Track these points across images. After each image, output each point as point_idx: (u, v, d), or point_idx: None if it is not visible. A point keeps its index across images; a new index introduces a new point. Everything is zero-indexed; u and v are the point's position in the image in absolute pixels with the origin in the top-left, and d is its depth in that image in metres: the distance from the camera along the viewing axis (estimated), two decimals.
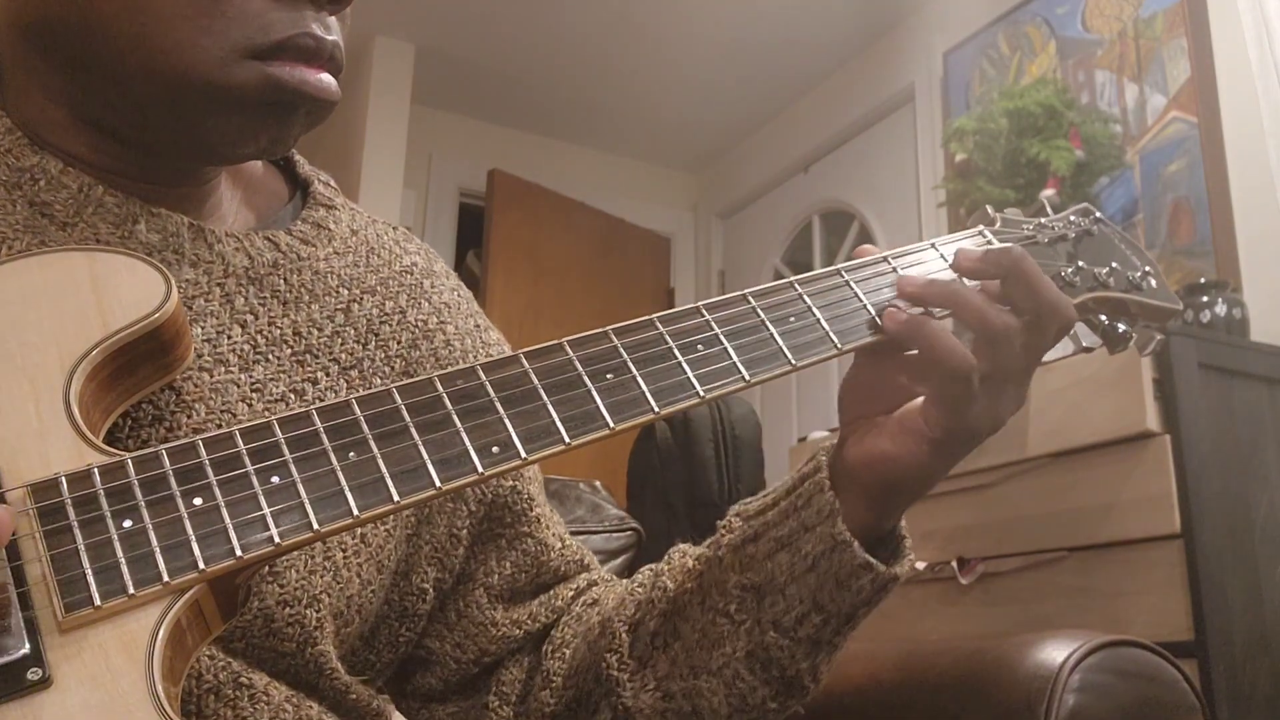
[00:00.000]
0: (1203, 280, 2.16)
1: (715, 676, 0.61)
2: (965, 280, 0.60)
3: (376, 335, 0.66)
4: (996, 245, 0.64)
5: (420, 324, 0.69)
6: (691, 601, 0.63)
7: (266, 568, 0.55)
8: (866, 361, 0.60)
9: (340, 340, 0.64)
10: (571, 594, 0.73)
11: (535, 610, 0.72)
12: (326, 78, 0.57)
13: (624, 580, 0.72)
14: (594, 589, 0.74)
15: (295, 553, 0.56)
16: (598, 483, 1.40)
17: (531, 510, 0.73)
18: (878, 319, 0.58)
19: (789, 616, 0.60)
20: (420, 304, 0.70)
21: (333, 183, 0.73)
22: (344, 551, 0.60)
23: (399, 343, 0.67)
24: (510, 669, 0.71)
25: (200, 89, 0.54)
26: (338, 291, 0.65)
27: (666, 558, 0.68)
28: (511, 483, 0.72)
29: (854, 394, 0.61)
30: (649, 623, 0.65)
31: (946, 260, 0.62)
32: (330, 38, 0.57)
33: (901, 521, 0.63)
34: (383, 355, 0.66)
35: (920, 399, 0.58)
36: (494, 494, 0.71)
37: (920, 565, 2.05)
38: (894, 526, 0.62)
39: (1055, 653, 0.74)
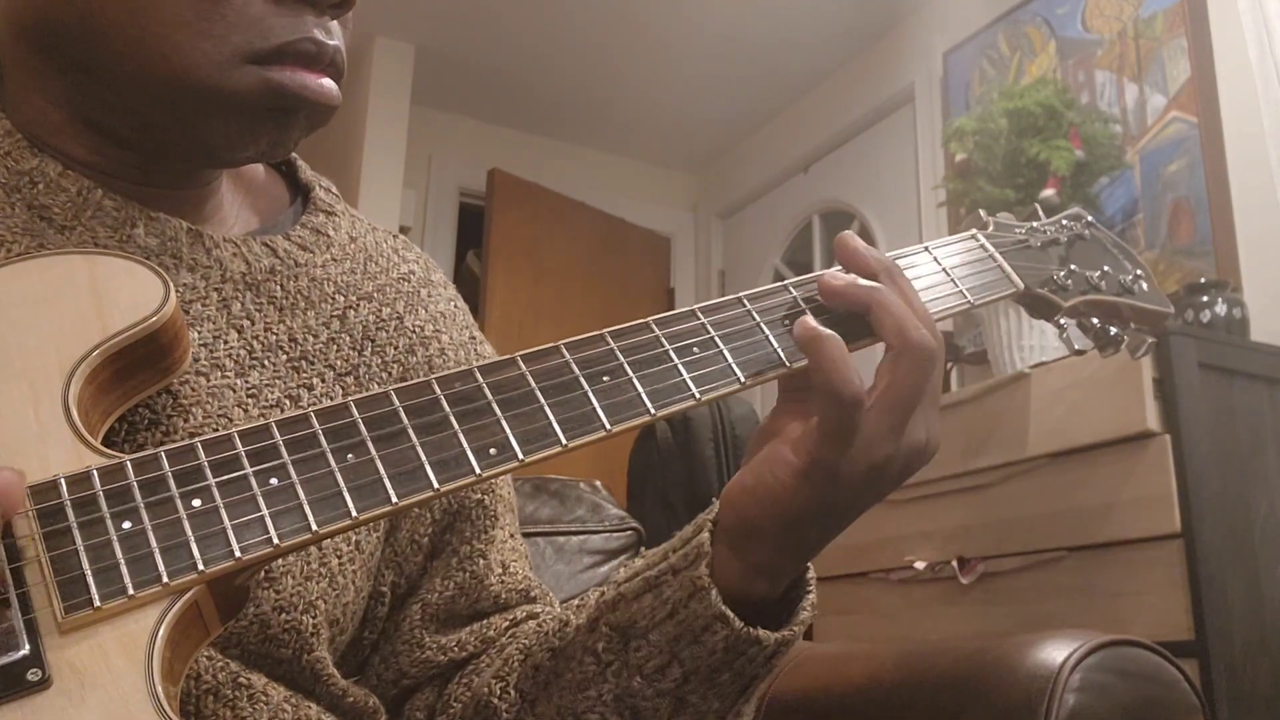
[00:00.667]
0: (1203, 280, 2.16)
1: (584, 718, 0.57)
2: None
3: (372, 341, 0.66)
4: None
5: (417, 330, 0.69)
6: (575, 638, 0.59)
7: (263, 574, 0.55)
8: (787, 396, 0.56)
9: (336, 346, 0.64)
10: (507, 624, 0.69)
11: (465, 639, 0.68)
12: (327, 82, 0.57)
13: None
14: (529, 622, 0.70)
15: (292, 559, 0.57)
16: (598, 482, 1.41)
17: (491, 529, 0.71)
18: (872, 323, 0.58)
19: (650, 664, 0.55)
20: (417, 311, 0.70)
21: (334, 189, 0.73)
22: (339, 558, 0.60)
23: (395, 348, 0.67)
24: (425, 693, 0.68)
25: (199, 93, 0.54)
26: (334, 298, 0.65)
27: (588, 593, 0.64)
28: (480, 497, 0.70)
29: (759, 438, 0.56)
30: (538, 656, 0.61)
31: (940, 264, 0.62)
32: (331, 42, 0.57)
33: (808, 589, 0.57)
34: (379, 361, 0.66)
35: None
36: (459, 504, 0.69)
37: (920, 565, 2.05)
38: (789, 594, 0.56)
39: (1055, 652, 0.74)
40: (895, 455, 0.52)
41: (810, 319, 0.52)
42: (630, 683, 0.56)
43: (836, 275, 0.56)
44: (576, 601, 0.64)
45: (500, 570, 0.70)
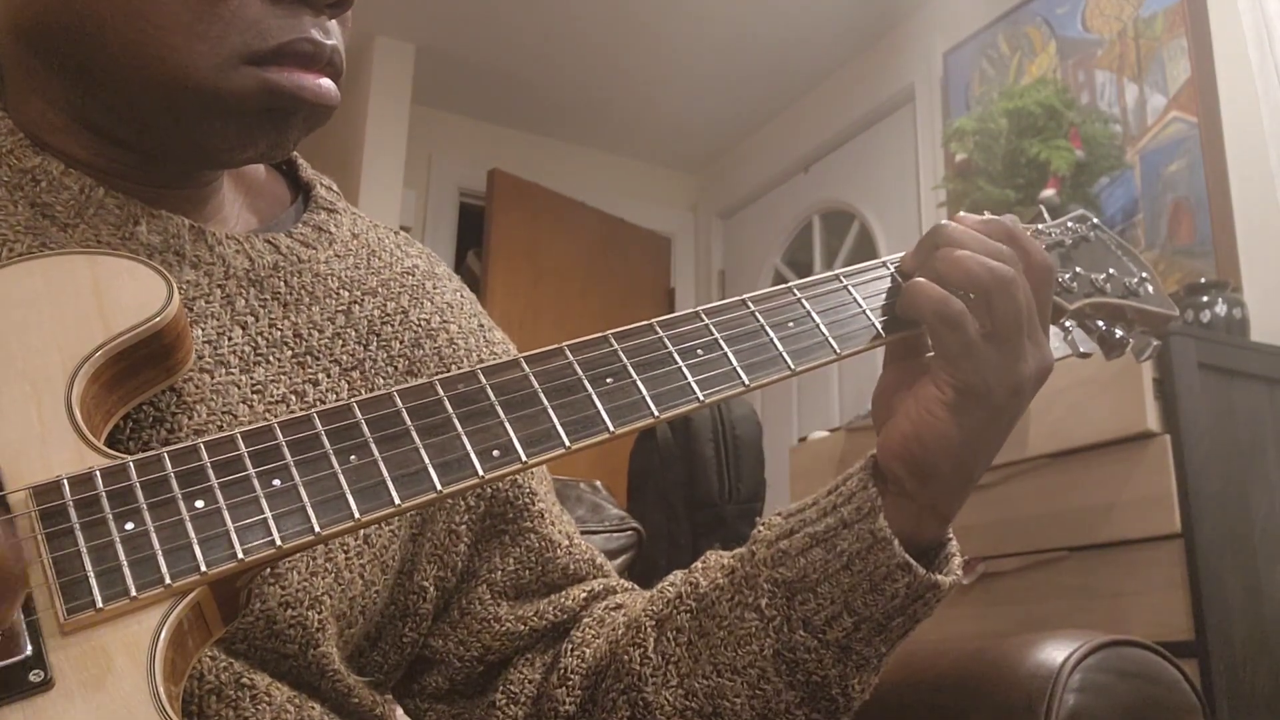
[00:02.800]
0: (1203, 280, 2.16)
1: (740, 675, 0.59)
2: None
3: (378, 336, 0.66)
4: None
5: (423, 323, 0.69)
6: (721, 598, 0.61)
7: (268, 569, 0.55)
8: (892, 367, 0.60)
9: (341, 342, 0.64)
10: (585, 595, 0.71)
11: (543, 609, 0.70)
12: (326, 82, 0.57)
13: (648, 590, 0.70)
14: (615, 595, 0.72)
15: (297, 555, 0.57)
16: (598, 483, 1.41)
17: (534, 505, 0.72)
18: (877, 325, 0.58)
19: (819, 616, 0.57)
20: (422, 304, 0.70)
21: (335, 187, 0.73)
22: (346, 553, 0.60)
23: (401, 342, 0.67)
24: (520, 668, 0.69)
25: (197, 94, 0.54)
26: (338, 293, 0.65)
27: (703, 558, 0.66)
28: (513, 477, 0.71)
29: (882, 397, 0.60)
30: (677, 618, 0.63)
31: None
32: (329, 42, 0.57)
33: (950, 536, 0.60)
34: (385, 356, 0.66)
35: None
36: (493, 489, 0.70)
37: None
38: (942, 538, 0.60)
39: (1055, 653, 0.74)
40: (1027, 374, 0.56)
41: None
42: (794, 635, 0.58)
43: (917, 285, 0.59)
44: (689, 571, 0.66)
45: (566, 543, 0.72)
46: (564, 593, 0.71)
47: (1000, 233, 0.59)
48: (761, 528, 0.62)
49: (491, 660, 0.69)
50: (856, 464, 0.59)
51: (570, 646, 0.68)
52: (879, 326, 0.58)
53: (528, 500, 0.72)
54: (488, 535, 0.70)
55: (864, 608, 0.57)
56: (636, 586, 0.75)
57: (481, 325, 0.74)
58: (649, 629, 0.64)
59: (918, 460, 0.56)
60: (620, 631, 0.66)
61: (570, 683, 0.67)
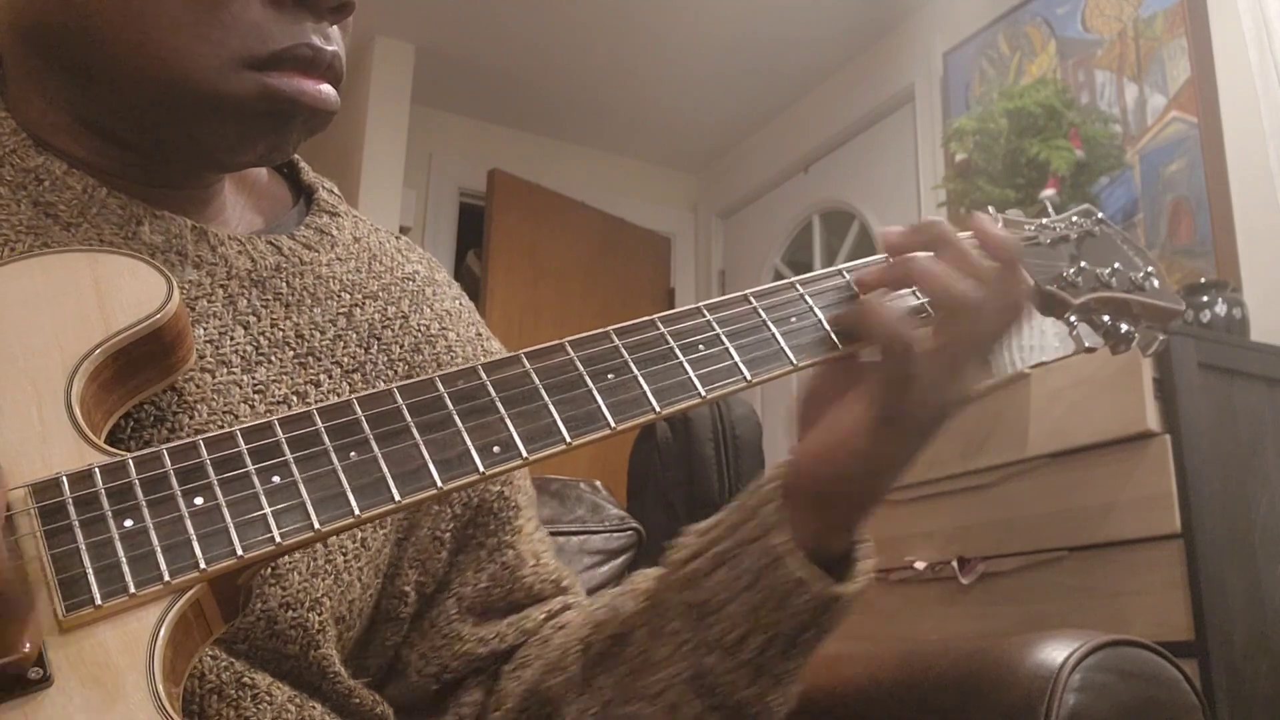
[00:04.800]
0: (1203, 280, 2.16)
1: (655, 702, 0.58)
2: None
3: (379, 339, 0.66)
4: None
5: (422, 329, 0.69)
6: (638, 623, 0.60)
7: (269, 570, 0.55)
8: (822, 368, 0.58)
9: (343, 344, 0.64)
10: (544, 616, 0.70)
11: (504, 630, 0.69)
12: (326, 88, 0.57)
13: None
14: (566, 613, 0.71)
15: (298, 556, 0.56)
16: (598, 482, 1.41)
17: (516, 519, 0.71)
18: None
19: (730, 637, 0.56)
20: (422, 309, 0.70)
21: (336, 190, 0.73)
22: (345, 555, 0.59)
23: (401, 347, 0.67)
24: (471, 690, 0.68)
25: (197, 97, 0.54)
26: (340, 296, 0.65)
27: (630, 578, 0.65)
28: (499, 488, 0.70)
29: (812, 398, 0.58)
30: (598, 645, 0.62)
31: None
32: (330, 48, 0.56)
33: (860, 538, 0.59)
34: (385, 359, 0.66)
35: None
36: (480, 499, 0.70)
37: (920, 565, 2.05)
38: (852, 544, 0.58)
39: (1055, 652, 0.74)
40: (956, 398, 0.55)
41: (819, 315, 0.55)
42: (707, 658, 0.56)
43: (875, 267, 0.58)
44: (620, 589, 0.65)
45: (533, 562, 0.71)
46: (524, 614, 0.70)
47: (1001, 253, 0.57)
48: (675, 548, 0.61)
49: (447, 679, 0.68)
50: (768, 475, 0.58)
51: (510, 668, 0.68)
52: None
53: (511, 514, 0.71)
54: (467, 546, 0.70)
55: (772, 625, 0.55)
56: (587, 601, 0.73)
57: (479, 334, 0.74)
58: (574, 655, 0.63)
59: (827, 480, 0.55)
60: (554, 655, 0.65)
61: (505, 706, 0.66)
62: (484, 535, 0.70)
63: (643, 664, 0.59)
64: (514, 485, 0.72)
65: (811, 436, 0.56)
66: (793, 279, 0.59)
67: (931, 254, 0.56)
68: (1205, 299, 2.08)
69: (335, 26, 0.58)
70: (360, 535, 0.61)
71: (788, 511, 0.55)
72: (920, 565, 2.06)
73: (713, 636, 0.56)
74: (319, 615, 0.57)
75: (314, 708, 0.58)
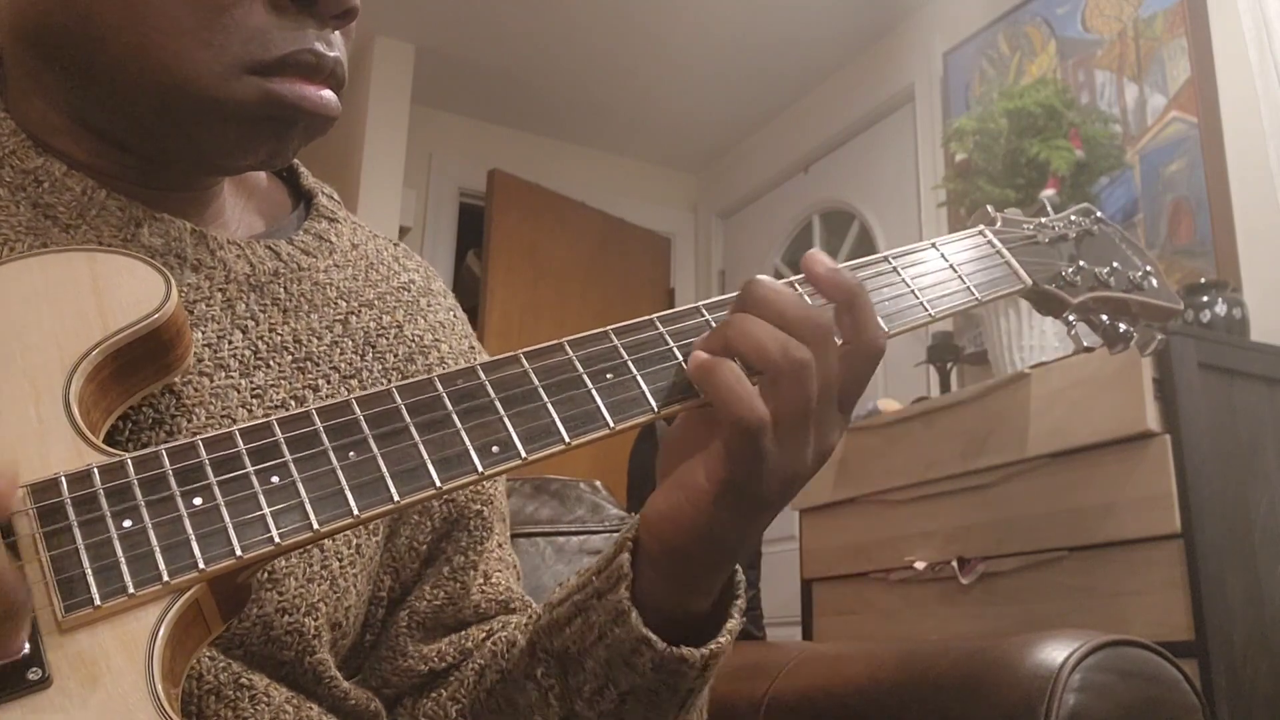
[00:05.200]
0: (1203, 280, 2.16)
1: None
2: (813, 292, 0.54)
3: (374, 347, 0.66)
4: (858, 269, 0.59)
5: (416, 339, 0.69)
6: (517, 663, 0.60)
7: (266, 575, 0.55)
8: (689, 415, 0.54)
9: (339, 349, 0.64)
10: (483, 636, 0.68)
11: (444, 649, 0.67)
12: (327, 94, 0.57)
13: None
14: (502, 631, 0.68)
15: (294, 561, 0.56)
16: (598, 482, 1.40)
17: (485, 541, 0.70)
18: (879, 321, 0.58)
19: (588, 688, 0.55)
20: (417, 320, 0.70)
21: (336, 195, 0.73)
22: (340, 561, 0.59)
23: (396, 355, 0.67)
24: (402, 711, 0.67)
25: (198, 101, 0.54)
26: (336, 303, 0.65)
27: (532, 609, 0.64)
28: (479, 508, 0.70)
29: (668, 452, 0.55)
30: (488, 678, 0.62)
31: (947, 260, 0.62)
32: (332, 54, 0.56)
33: (735, 595, 0.56)
34: (380, 367, 0.66)
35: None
36: (459, 513, 0.69)
37: (920, 565, 2.05)
38: (706, 609, 0.55)
39: (1055, 652, 0.74)
40: (808, 464, 0.51)
41: (700, 352, 0.51)
42: (573, 706, 0.56)
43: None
44: (527, 617, 0.64)
45: (482, 580, 0.69)
46: (465, 634, 0.68)
47: (836, 293, 0.53)
48: (557, 587, 0.60)
49: (386, 694, 0.67)
50: (628, 525, 0.56)
51: (434, 691, 0.66)
52: (882, 324, 0.57)
53: (483, 534, 0.70)
54: (435, 558, 0.69)
55: (624, 682, 0.54)
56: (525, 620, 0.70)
57: (472, 347, 0.74)
58: (470, 684, 0.63)
59: (668, 542, 0.52)
60: (454, 685, 0.65)
61: None
62: (453, 551, 0.69)
63: (516, 707, 0.59)
64: (493, 505, 0.71)
65: (660, 493, 0.53)
66: (790, 279, 0.58)
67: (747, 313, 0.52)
68: (1205, 299, 2.07)
69: (338, 32, 0.58)
70: (355, 541, 0.61)
71: (629, 568, 0.53)
72: (920, 565, 2.06)
73: (574, 685, 0.56)
74: (315, 621, 0.57)
75: (311, 709, 0.58)
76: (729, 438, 0.49)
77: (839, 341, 0.53)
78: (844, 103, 3.75)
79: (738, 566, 0.57)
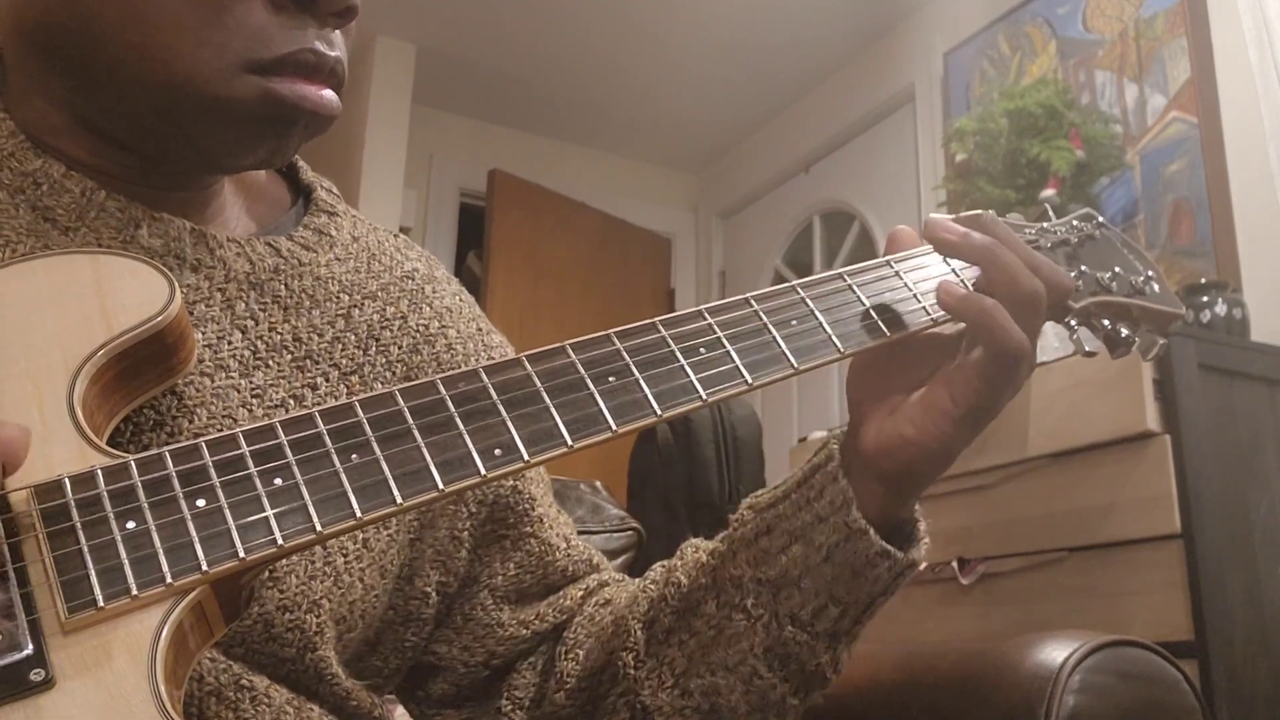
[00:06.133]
0: (1203, 280, 2.16)
1: (732, 673, 0.61)
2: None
3: (377, 340, 0.66)
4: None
5: (421, 329, 0.69)
6: (706, 597, 0.62)
7: (267, 573, 0.55)
8: (885, 358, 0.60)
9: (340, 346, 0.64)
10: (581, 594, 0.72)
11: (543, 611, 0.71)
12: (327, 93, 0.57)
13: (635, 579, 0.72)
14: (605, 589, 0.73)
15: (296, 558, 0.57)
16: (598, 483, 1.41)
17: (534, 510, 0.72)
18: (880, 323, 0.58)
19: (806, 610, 0.59)
20: (421, 309, 0.70)
21: (335, 189, 0.73)
22: (345, 557, 0.60)
23: (400, 348, 0.67)
24: (523, 673, 0.70)
25: (198, 100, 0.54)
26: (338, 297, 0.65)
27: (679, 552, 0.67)
28: (513, 483, 0.72)
29: (865, 377, 0.60)
30: (663, 619, 0.64)
31: (949, 264, 0.62)
32: (332, 54, 0.56)
33: (916, 506, 0.62)
34: (383, 360, 0.66)
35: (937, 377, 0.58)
36: (494, 495, 0.70)
37: (920, 565, 2.05)
38: (909, 514, 0.61)
39: (1055, 653, 0.74)
40: (1021, 384, 0.57)
41: (951, 283, 0.57)
42: (782, 631, 0.60)
43: (945, 226, 0.59)
44: (670, 564, 0.67)
45: (565, 546, 0.73)
46: (561, 593, 0.72)
47: (1027, 258, 0.59)
48: (735, 524, 0.63)
49: (496, 665, 0.70)
50: (819, 452, 0.60)
51: (564, 649, 0.69)
52: (884, 327, 0.58)
53: (527, 506, 0.72)
54: (488, 541, 0.71)
55: (848, 595, 0.59)
56: (627, 578, 0.76)
57: (480, 329, 0.74)
58: (638, 631, 0.65)
59: (910, 464, 0.57)
60: (610, 631, 0.67)
61: (567, 686, 0.68)
62: (504, 529, 0.71)
63: (716, 636, 0.61)
64: (526, 477, 0.73)
65: (891, 426, 0.58)
66: (793, 282, 0.59)
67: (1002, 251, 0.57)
68: (1205, 299, 2.08)
69: (338, 31, 0.58)
70: (362, 536, 0.61)
71: (869, 484, 0.58)
72: (920, 565, 2.06)
73: (789, 609, 0.59)
74: (317, 617, 0.57)
75: (312, 710, 0.58)
76: (990, 365, 0.55)
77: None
78: (844, 103, 3.75)
79: None
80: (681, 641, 0.63)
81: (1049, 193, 2.34)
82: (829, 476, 0.59)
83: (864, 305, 0.58)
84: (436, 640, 0.70)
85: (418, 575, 0.66)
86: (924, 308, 0.59)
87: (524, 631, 0.70)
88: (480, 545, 0.70)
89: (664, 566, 0.68)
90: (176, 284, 0.51)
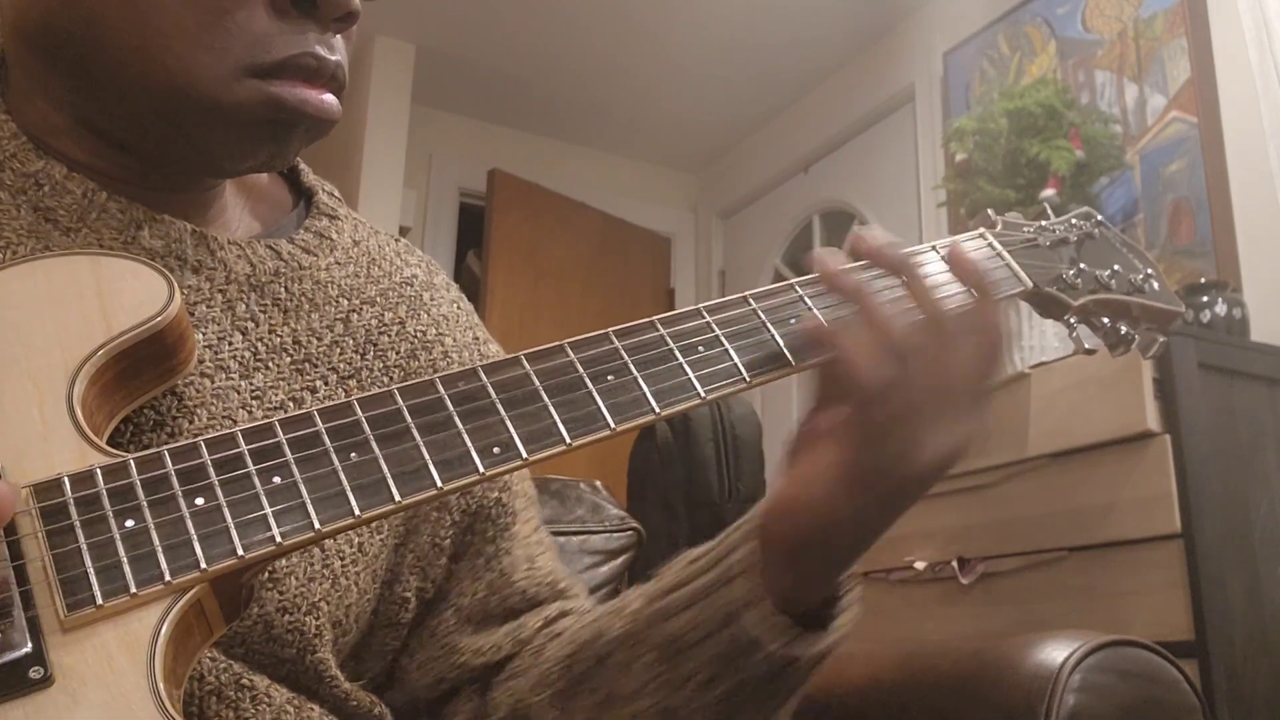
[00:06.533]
0: (1203, 280, 2.16)
1: None
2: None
3: (375, 345, 0.66)
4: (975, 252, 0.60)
5: (419, 335, 0.69)
6: (617, 649, 0.60)
7: (266, 574, 0.55)
8: (816, 411, 0.54)
9: (339, 349, 0.64)
10: (540, 624, 0.69)
11: (499, 640, 0.68)
12: (328, 97, 0.57)
13: (598, 608, 0.68)
14: (562, 620, 0.69)
15: (295, 560, 0.57)
16: (598, 483, 1.40)
17: (513, 525, 0.71)
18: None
19: (698, 678, 0.55)
20: (419, 315, 0.70)
21: (336, 193, 0.73)
22: (342, 560, 0.60)
23: (397, 353, 0.67)
24: (466, 699, 0.68)
25: (199, 104, 0.54)
26: (338, 301, 0.65)
27: (623, 595, 0.64)
28: (497, 494, 0.70)
29: (800, 440, 0.54)
30: (580, 665, 0.62)
31: (949, 263, 0.62)
32: (333, 58, 0.57)
33: (844, 592, 0.56)
34: (381, 365, 0.66)
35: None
36: (478, 504, 0.69)
37: (920, 565, 2.05)
38: (833, 596, 0.55)
39: (1055, 653, 0.74)
40: (949, 444, 0.50)
41: (819, 316, 0.52)
42: (678, 694, 0.56)
43: (823, 261, 0.55)
44: (613, 605, 0.63)
45: (526, 566, 0.70)
46: (520, 622, 0.68)
47: (969, 274, 0.54)
48: (660, 573, 0.60)
49: (443, 689, 0.68)
50: (748, 515, 0.56)
51: (503, 678, 0.67)
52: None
53: (507, 520, 0.71)
54: (464, 553, 0.69)
55: (738, 673, 0.54)
56: (593, 608, 0.71)
57: (477, 338, 0.74)
58: (557, 673, 0.63)
59: (793, 533, 0.52)
60: (541, 670, 0.65)
61: (493, 717, 0.66)
62: (481, 543, 0.69)
63: (616, 692, 0.59)
64: (511, 491, 0.71)
65: (784, 483, 0.53)
66: (791, 280, 0.59)
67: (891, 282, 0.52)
68: (1205, 299, 2.07)
69: (339, 36, 0.58)
70: (358, 540, 0.61)
71: (759, 556, 0.53)
72: (920, 565, 2.06)
73: (683, 674, 0.55)
74: (316, 620, 0.58)
75: (312, 709, 0.58)
76: (858, 407, 0.49)
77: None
78: (844, 103, 3.75)
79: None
80: (588, 693, 0.60)
81: (1049, 193, 2.33)
82: (739, 539, 0.55)
83: None
84: (404, 650, 0.69)
85: (398, 580, 0.66)
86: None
87: (476, 661, 0.67)
88: (457, 556, 0.69)
89: (608, 607, 0.65)
90: (176, 285, 0.51)
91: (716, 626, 0.54)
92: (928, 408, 0.49)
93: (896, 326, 0.50)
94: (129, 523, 0.44)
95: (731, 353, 0.54)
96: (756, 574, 0.53)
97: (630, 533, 1.32)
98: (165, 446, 0.46)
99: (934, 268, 0.62)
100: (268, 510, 0.45)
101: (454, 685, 0.68)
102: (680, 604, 0.56)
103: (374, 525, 0.62)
